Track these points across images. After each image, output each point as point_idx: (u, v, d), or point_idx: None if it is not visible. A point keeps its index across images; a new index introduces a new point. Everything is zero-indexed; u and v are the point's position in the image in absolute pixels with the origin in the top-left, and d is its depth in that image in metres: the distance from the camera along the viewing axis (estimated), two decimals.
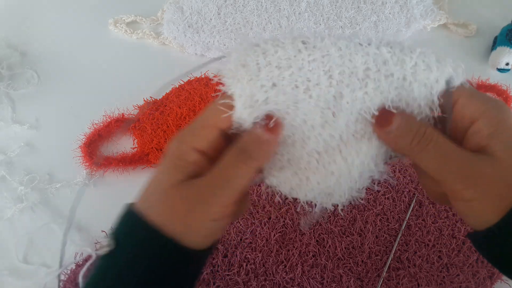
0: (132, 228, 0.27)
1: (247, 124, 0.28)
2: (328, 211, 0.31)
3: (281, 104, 0.28)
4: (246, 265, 0.44)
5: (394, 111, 0.27)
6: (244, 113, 0.27)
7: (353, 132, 0.29)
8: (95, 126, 0.55)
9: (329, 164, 0.29)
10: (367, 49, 0.27)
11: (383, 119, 0.27)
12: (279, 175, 0.30)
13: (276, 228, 0.47)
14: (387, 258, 0.45)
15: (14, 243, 0.48)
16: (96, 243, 0.47)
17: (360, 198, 0.30)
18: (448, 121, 0.28)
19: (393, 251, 0.45)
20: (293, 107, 0.28)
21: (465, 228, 0.47)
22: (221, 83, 0.28)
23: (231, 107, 0.28)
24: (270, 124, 0.27)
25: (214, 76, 0.29)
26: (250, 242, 0.46)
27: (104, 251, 0.27)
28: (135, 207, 0.28)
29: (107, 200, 0.52)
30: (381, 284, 0.44)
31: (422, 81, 0.28)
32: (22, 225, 0.50)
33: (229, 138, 0.31)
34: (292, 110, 0.28)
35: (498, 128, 0.26)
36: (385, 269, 0.44)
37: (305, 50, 0.27)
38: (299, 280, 0.44)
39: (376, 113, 0.28)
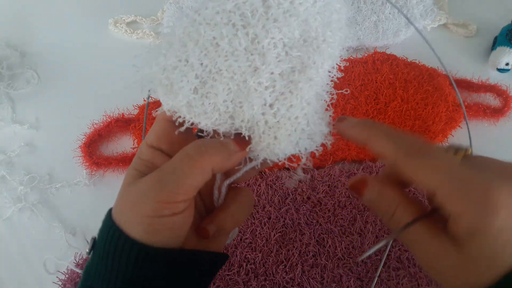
0: (103, 228, 0.27)
1: (182, 111, 0.27)
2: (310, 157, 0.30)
3: (201, 72, 0.27)
4: (246, 265, 0.44)
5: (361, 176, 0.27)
6: (169, 101, 0.27)
7: (291, 65, 0.28)
8: (95, 126, 0.55)
9: (289, 110, 0.28)
10: None
11: (356, 189, 0.27)
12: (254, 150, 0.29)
13: (276, 228, 0.47)
14: (385, 257, 0.45)
15: (13, 242, 0.48)
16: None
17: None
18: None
19: (387, 250, 0.45)
20: (215, 70, 0.27)
21: None
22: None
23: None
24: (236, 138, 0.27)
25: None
26: (250, 242, 0.46)
27: (86, 251, 0.28)
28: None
29: (107, 200, 0.52)
30: (381, 284, 0.44)
31: None
32: (21, 225, 0.50)
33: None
34: (217, 73, 0.27)
35: (479, 232, 0.22)
36: (380, 267, 0.44)
37: (198, 16, 0.27)
38: (299, 280, 0.44)
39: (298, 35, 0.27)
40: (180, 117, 0.28)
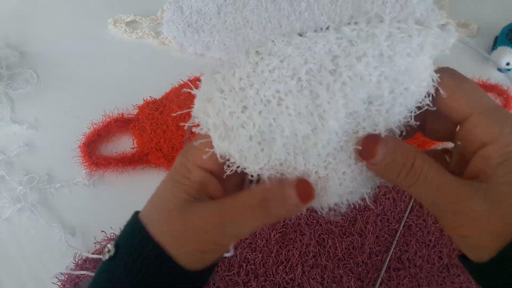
0: (134, 238, 0.27)
1: (235, 157, 0.26)
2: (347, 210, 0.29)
3: (261, 124, 0.25)
4: (246, 266, 0.44)
5: (381, 135, 0.25)
6: (223, 146, 0.26)
7: (351, 127, 0.26)
8: (94, 126, 0.55)
9: (338, 164, 0.27)
10: (327, 35, 0.24)
11: (366, 151, 0.26)
12: None
13: (276, 228, 0.46)
14: (386, 258, 0.45)
15: (12, 243, 0.48)
16: (95, 243, 0.47)
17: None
18: (455, 154, 0.25)
19: (391, 251, 0.45)
20: (275, 124, 0.25)
21: None
22: (195, 125, 0.27)
23: (211, 145, 0.26)
24: (303, 189, 0.26)
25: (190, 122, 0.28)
26: (250, 243, 0.46)
27: (106, 256, 0.27)
28: (140, 217, 0.28)
29: (106, 200, 0.52)
30: (382, 285, 0.44)
31: (404, 51, 0.24)
32: (20, 225, 0.49)
33: None
34: (277, 127, 0.25)
35: (509, 158, 0.23)
36: (383, 269, 0.44)
37: (261, 61, 0.25)
38: (299, 281, 0.44)
39: (365, 101, 0.25)
40: (229, 160, 0.27)
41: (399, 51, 0.24)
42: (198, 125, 0.27)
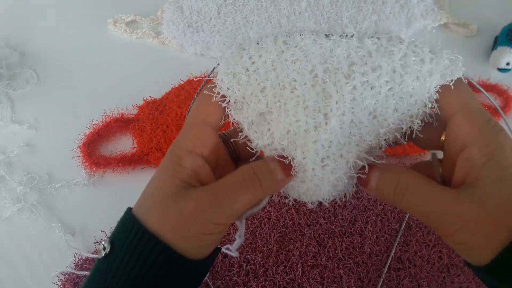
0: (128, 232, 0.27)
1: (244, 127, 0.29)
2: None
3: (272, 103, 0.28)
4: (246, 266, 0.44)
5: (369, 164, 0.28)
6: (235, 115, 0.29)
7: (349, 134, 0.28)
8: (94, 126, 0.55)
9: (334, 170, 0.29)
10: (349, 42, 0.26)
11: (362, 180, 0.28)
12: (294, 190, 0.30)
13: (276, 229, 0.46)
14: (387, 258, 0.45)
15: (12, 243, 0.48)
16: (95, 243, 0.47)
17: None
18: (436, 170, 0.27)
19: (393, 252, 0.45)
20: (284, 108, 0.27)
21: None
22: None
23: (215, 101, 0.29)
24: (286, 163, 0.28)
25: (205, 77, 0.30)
26: (250, 243, 0.46)
27: (100, 254, 0.27)
28: (133, 211, 0.28)
29: (106, 200, 0.52)
30: (382, 285, 0.44)
31: (414, 73, 0.26)
32: (20, 225, 0.49)
33: (230, 146, 0.31)
34: (284, 112, 0.27)
35: (492, 158, 0.24)
36: (385, 269, 0.44)
37: (287, 50, 0.27)
38: (299, 281, 0.44)
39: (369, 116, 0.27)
40: (241, 129, 0.29)
41: (410, 71, 0.26)
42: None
